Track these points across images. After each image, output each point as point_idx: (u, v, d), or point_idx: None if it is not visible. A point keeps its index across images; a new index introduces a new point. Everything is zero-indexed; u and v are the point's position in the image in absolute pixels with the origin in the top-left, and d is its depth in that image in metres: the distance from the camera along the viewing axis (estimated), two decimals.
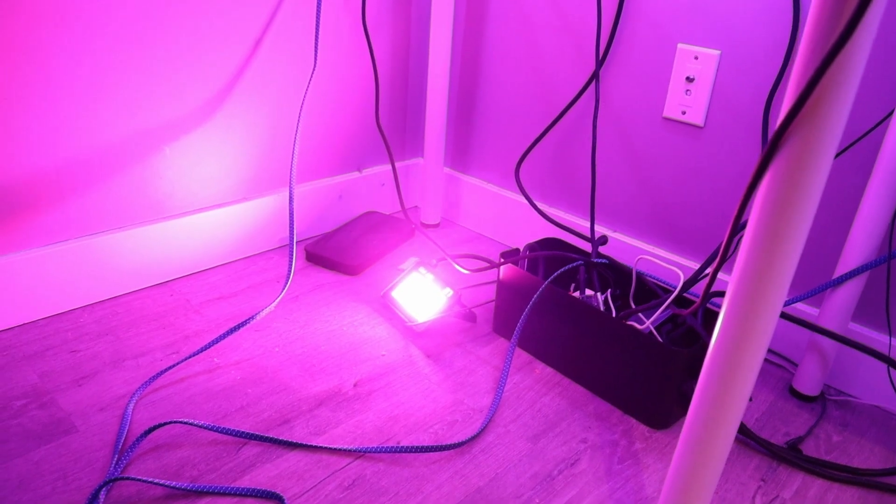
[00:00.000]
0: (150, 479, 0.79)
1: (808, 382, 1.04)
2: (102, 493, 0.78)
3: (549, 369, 1.08)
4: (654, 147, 1.19)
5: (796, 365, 1.09)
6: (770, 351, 1.13)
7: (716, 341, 0.60)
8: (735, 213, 0.57)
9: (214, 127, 1.18)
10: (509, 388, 1.03)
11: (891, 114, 0.89)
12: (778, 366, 1.13)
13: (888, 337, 1.02)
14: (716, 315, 0.98)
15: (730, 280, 0.57)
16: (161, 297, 1.16)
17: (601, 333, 0.99)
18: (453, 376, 1.04)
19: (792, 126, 0.49)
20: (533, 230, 1.41)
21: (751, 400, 0.94)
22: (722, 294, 0.98)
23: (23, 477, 0.80)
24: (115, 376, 0.98)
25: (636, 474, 0.90)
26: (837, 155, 0.98)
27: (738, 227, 0.61)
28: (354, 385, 1.00)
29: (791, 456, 0.93)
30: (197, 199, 1.20)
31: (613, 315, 1.02)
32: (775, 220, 0.52)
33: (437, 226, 1.52)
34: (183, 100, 1.12)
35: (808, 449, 0.96)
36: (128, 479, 0.80)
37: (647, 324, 0.96)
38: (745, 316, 0.57)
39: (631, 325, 0.96)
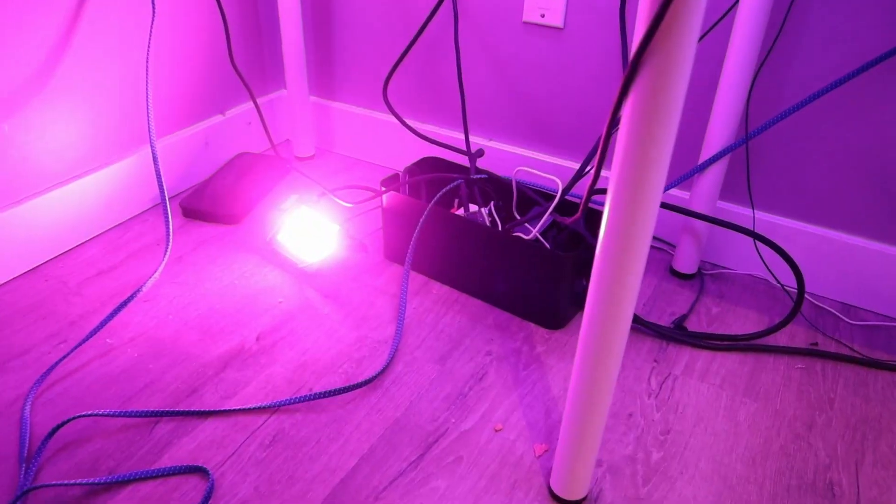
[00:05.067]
0: (66, 482, 0.77)
1: (686, 262, 1.12)
2: None
3: (445, 288, 1.10)
4: (517, 52, 1.19)
5: (674, 246, 1.16)
6: None
7: (604, 237, 0.60)
8: (608, 120, 0.58)
9: (55, 92, 1.08)
10: (409, 313, 1.05)
11: (736, 2, 0.92)
12: (658, 249, 1.20)
13: (751, 211, 1.10)
14: (596, 215, 1.02)
15: (610, 179, 0.57)
16: (34, 285, 1.10)
17: (490, 247, 1.02)
18: (353, 312, 1.05)
19: (652, 42, 0.50)
20: (409, 149, 1.40)
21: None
22: (601, 192, 1.02)
23: None
24: (2, 380, 0.93)
25: (542, 377, 0.95)
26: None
27: (611, 132, 0.62)
28: (257, 339, 1.00)
29: (677, 334, 1.01)
30: (53, 174, 1.12)
31: (499, 228, 1.04)
32: (647, 122, 0.53)
33: (311, 157, 1.49)
34: (11, 68, 1.02)
35: (692, 324, 1.04)
36: (42, 486, 0.78)
37: (534, 232, 0.99)
38: (629, 209, 0.57)
39: (518, 236, 0.99)
